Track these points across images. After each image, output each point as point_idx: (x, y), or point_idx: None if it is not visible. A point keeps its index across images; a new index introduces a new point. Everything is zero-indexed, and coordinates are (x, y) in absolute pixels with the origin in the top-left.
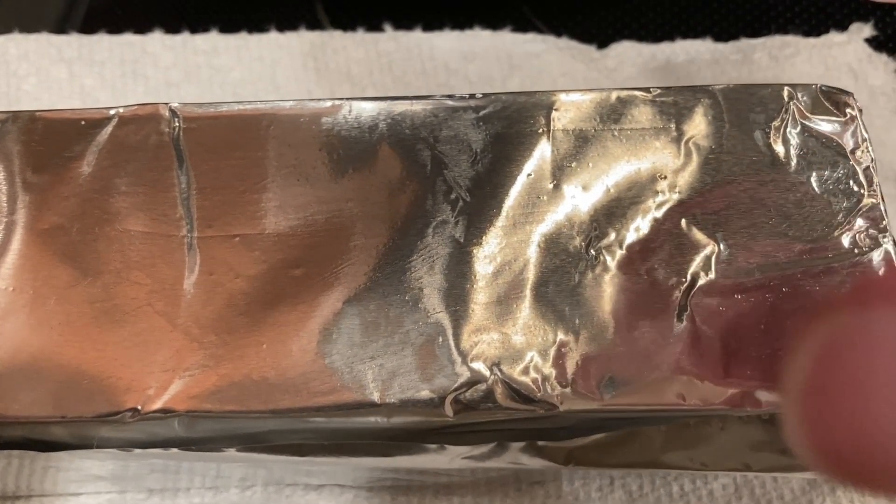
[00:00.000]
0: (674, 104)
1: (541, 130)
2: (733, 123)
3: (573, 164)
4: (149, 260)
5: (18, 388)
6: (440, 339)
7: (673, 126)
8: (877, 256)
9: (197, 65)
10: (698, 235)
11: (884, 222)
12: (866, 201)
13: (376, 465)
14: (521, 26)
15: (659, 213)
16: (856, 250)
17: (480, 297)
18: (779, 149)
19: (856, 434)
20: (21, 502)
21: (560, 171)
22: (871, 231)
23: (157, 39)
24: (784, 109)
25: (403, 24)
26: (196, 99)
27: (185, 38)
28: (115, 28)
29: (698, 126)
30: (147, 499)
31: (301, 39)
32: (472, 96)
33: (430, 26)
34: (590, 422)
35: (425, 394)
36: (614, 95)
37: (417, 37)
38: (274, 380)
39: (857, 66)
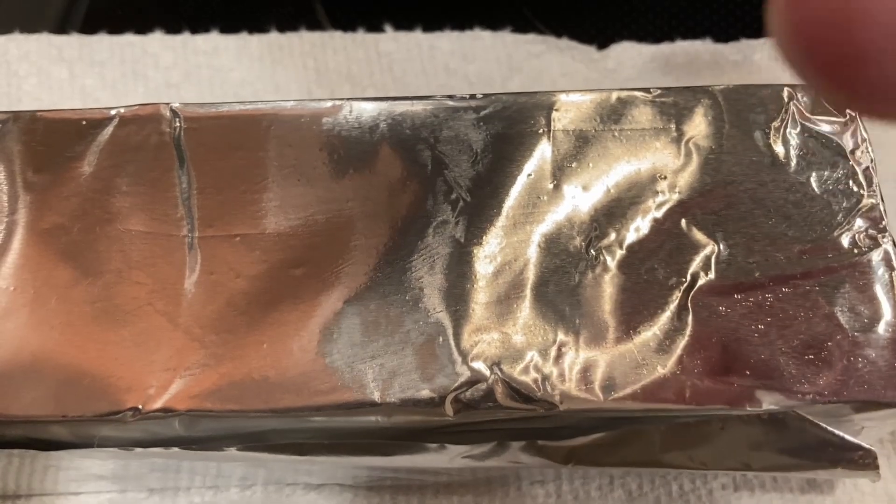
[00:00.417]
0: (674, 104)
1: (541, 131)
2: (733, 124)
3: (573, 165)
4: (150, 260)
5: (19, 387)
6: (440, 339)
7: (673, 126)
8: (876, 256)
9: (197, 65)
10: (698, 235)
11: (883, 222)
12: (866, 201)
13: (376, 465)
14: (521, 27)
15: (659, 214)
16: (855, 250)
17: (481, 296)
18: (779, 149)
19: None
20: (21, 501)
21: (560, 172)
22: (870, 231)
23: (157, 40)
24: (784, 110)
25: (403, 24)
26: (196, 99)
27: (185, 39)
28: (116, 28)
29: (698, 126)
30: (147, 498)
31: (301, 40)
32: (472, 97)
33: (430, 27)
34: (590, 421)
35: (426, 393)
36: (614, 96)
37: (418, 37)
38: (274, 379)
39: None
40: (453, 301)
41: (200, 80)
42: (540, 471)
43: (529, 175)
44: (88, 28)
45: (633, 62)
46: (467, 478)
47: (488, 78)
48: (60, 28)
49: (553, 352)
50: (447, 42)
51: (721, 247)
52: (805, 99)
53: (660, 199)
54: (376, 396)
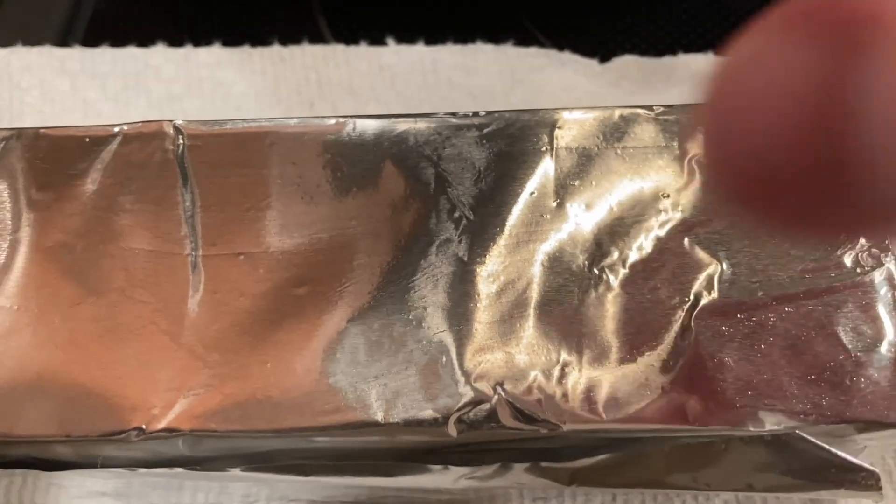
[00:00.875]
0: (677, 122)
1: (544, 148)
2: None
3: (576, 183)
4: (153, 278)
5: (23, 406)
6: (444, 359)
7: (676, 144)
8: (879, 276)
9: (200, 78)
10: (701, 254)
11: (886, 241)
12: None
13: (379, 485)
14: (524, 40)
15: (662, 232)
16: (858, 269)
17: (484, 315)
18: None
19: (740, 143)
20: None
21: (563, 190)
22: (873, 250)
23: (159, 52)
24: None
25: (406, 38)
26: (199, 112)
27: (187, 52)
28: (118, 41)
29: (701, 144)
30: None
31: (304, 53)
32: (475, 114)
33: (432, 40)
34: (593, 442)
35: (429, 413)
36: (617, 113)
37: (420, 51)
38: (278, 399)
39: None
40: (456, 320)
41: (203, 93)
42: (543, 489)
43: (532, 193)
44: (91, 41)
45: (635, 76)
46: (470, 496)
47: (490, 91)
48: (63, 41)
49: (556, 372)
50: (449, 55)
51: (724, 266)
52: None
53: (663, 217)
54: (380, 416)
